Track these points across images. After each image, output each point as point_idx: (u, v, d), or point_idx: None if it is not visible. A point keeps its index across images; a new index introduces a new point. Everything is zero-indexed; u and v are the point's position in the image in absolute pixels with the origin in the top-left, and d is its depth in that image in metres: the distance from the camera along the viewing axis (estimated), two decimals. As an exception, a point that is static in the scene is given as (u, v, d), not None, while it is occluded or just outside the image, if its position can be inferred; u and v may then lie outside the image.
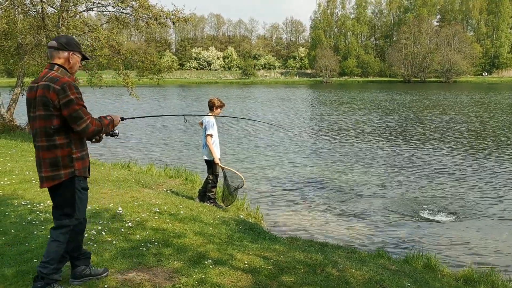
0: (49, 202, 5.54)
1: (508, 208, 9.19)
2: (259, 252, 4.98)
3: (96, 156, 14.04)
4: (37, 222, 5.55)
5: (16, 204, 6.36)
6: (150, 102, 39.93)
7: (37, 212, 5.97)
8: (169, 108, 35.05)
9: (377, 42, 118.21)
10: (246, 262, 4.55)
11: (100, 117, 3.68)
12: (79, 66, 3.69)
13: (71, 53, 3.55)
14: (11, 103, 17.28)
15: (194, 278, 4.04)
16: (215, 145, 7.53)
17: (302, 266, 4.62)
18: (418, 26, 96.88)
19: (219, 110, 7.75)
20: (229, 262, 4.50)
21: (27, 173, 8.41)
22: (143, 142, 18.03)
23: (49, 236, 3.59)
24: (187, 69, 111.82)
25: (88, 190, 3.74)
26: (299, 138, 18.86)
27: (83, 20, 15.81)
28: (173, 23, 16.12)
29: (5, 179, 8.01)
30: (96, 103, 36.44)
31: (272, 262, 4.63)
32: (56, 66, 3.51)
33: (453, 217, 8.61)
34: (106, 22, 17.08)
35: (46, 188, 3.57)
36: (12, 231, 5.12)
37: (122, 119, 3.88)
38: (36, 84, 3.45)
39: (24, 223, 5.45)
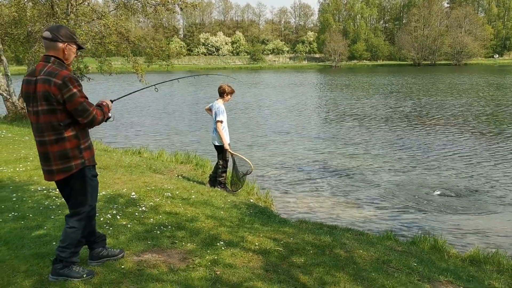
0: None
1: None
2: (269, 234, 5.11)
3: (107, 143, 14.24)
4: (53, 206, 5.72)
5: (32, 189, 6.55)
6: (161, 88, 40.05)
7: (53, 197, 6.14)
8: (181, 94, 35.16)
9: (387, 25, 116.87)
10: (257, 244, 4.69)
11: (98, 105, 3.73)
12: (75, 56, 3.69)
13: (66, 44, 3.51)
14: (22, 91, 17.48)
15: (207, 259, 4.19)
16: (224, 130, 7.64)
17: (311, 247, 4.75)
18: (429, 8, 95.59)
19: (229, 96, 7.84)
20: (241, 244, 4.64)
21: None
22: (153, 129, 18.22)
23: (65, 223, 3.72)
24: (195, 54, 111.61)
25: (98, 176, 3.85)
26: (308, 123, 18.92)
27: (91, 7, 15.87)
28: (181, 9, 16.14)
29: (20, 165, 8.21)
30: (109, 89, 36.69)
31: (282, 244, 4.77)
32: (52, 58, 3.48)
33: (463, 201, 8.68)
34: (115, 9, 17.13)
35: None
36: (30, 215, 5.30)
37: (112, 101, 3.97)
38: (35, 78, 3.42)
39: (41, 208, 5.63)
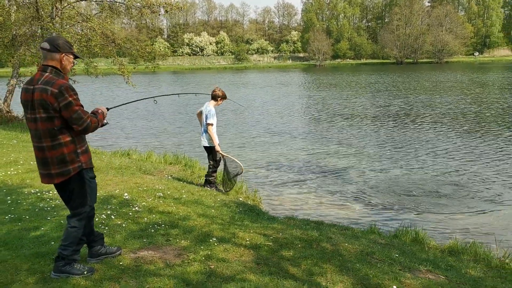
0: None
1: (498, 187, 9.61)
2: (259, 230, 5.35)
3: (95, 145, 14.33)
4: (48, 208, 5.88)
5: (26, 192, 6.69)
6: (148, 89, 40.02)
7: (47, 199, 6.30)
8: (169, 96, 35.15)
9: (369, 24, 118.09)
10: (248, 239, 4.93)
11: (93, 113, 3.91)
12: (71, 66, 3.85)
13: (63, 54, 3.67)
14: (7, 95, 17.46)
15: (201, 254, 4.41)
16: (215, 133, 7.87)
17: (299, 241, 5.01)
18: (410, 7, 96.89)
19: (221, 101, 8.08)
20: (232, 240, 4.87)
21: (32, 163, 8.70)
22: (141, 130, 18.34)
23: (66, 223, 3.91)
24: (179, 55, 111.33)
25: (95, 178, 4.05)
26: (296, 123, 19.22)
27: (77, 10, 15.92)
28: (166, 11, 16.28)
29: (11, 169, 8.31)
30: (97, 91, 36.54)
31: (271, 239, 5.02)
32: (50, 68, 3.63)
33: (446, 197, 9.03)
34: (100, 12, 17.20)
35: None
36: (27, 217, 5.46)
37: (108, 109, 4.17)
38: (32, 87, 3.57)
39: (36, 210, 5.79)
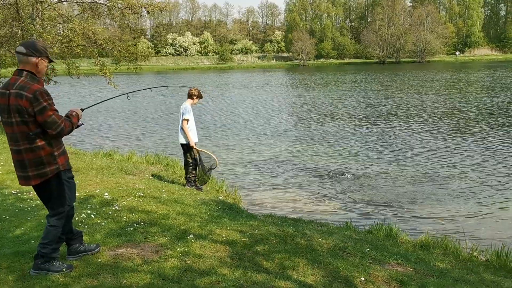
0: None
1: (476, 185, 9.89)
2: (236, 227, 5.51)
3: (77, 146, 14.33)
4: (28, 208, 5.96)
5: (6, 193, 6.74)
6: (131, 89, 39.84)
7: (28, 200, 6.37)
8: (150, 96, 35.11)
9: (352, 24, 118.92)
10: (224, 236, 5.08)
11: (67, 116, 3.99)
12: (46, 70, 3.97)
13: (39, 58, 3.73)
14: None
15: (178, 251, 4.55)
16: (190, 129, 8.04)
17: (274, 237, 5.17)
18: (392, 7, 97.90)
19: (197, 100, 8.30)
20: (209, 237, 5.02)
21: (12, 164, 8.72)
22: (123, 131, 18.34)
23: (46, 222, 4.00)
24: (163, 55, 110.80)
25: (73, 178, 4.15)
26: (279, 123, 19.41)
27: (58, 12, 15.87)
28: (148, 12, 16.33)
29: (-8, 170, 8.33)
30: (78, 93, 36.26)
31: (247, 235, 5.17)
32: (25, 72, 3.69)
33: (423, 193, 9.30)
34: (81, 13, 17.16)
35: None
36: (7, 217, 5.53)
37: (82, 110, 4.26)
38: (8, 91, 3.63)
39: (17, 210, 5.86)
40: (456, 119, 18.80)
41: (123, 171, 9.25)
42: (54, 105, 3.76)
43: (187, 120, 8.04)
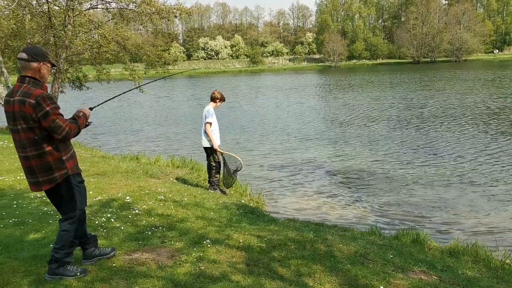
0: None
1: (508, 188, 9.46)
2: (255, 232, 5.40)
3: (107, 149, 14.58)
4: (51, 212, 6.03)
5: (32, 197, 6.87)
6: (160, 94, 40.43)
7: (51, 204, 6.43)
8: (180, 99, 35.52)
9: (385, 23, 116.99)
10: (241, 241, 4.98)
11: (74, 117, 3.96)
12: (49, 75, 3.96)
13: (41, 63, 3.71)
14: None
15: (193, 256, 4.48)
16: (213, 132, 7.99)
17: (293, 243, 5.04)
18: (426, 6, 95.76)
19: (220, 103, 8.27)
20: (226, 242, 4.93)
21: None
22: (152, 134, 18.57)
23: (59, 227, 4.02)
24: (195, 59, 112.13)
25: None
26: (312, 126, 19.21)
27: (88, 18, 16.22)
28: (175, 16, 16.46)
29: (21, 174, 8.48)
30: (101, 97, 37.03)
31: (265, 240, 5.06)
32: (27, 79, 3.68)
33: (453, 197, 8.95)
34: (111, 19, 17.47)
35: None
36: (30, 220, 5.61)
37: (91, 109, 4.24)
38: (12, 99, 3.64)
39: (40, 214, 5.95)
40: (500, 120, 17.98)
41: (148, 174, 9.29)
42: (59, 109, 3.75)
43: (210, 123, 8.01)
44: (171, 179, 9.13)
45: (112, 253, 4.39)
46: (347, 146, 14.39)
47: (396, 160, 12.20)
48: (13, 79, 21.84)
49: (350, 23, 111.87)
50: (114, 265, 4.22)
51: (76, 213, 3.95)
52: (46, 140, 3.71)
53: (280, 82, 52.55)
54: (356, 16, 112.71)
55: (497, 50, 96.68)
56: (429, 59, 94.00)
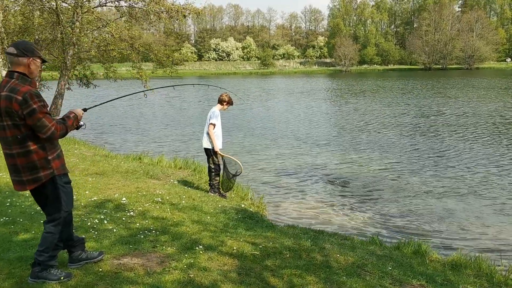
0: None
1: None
2: (250, 239, 5.23)
3: (111, 148, 14.48)
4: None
5: (27, 195, 6.73)
6: (171, 94, 40.39)
7: (46, 202, 6.33)
8: (192, 99, 35.49)
9: (398, 29, 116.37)
10: (235, 248, 4.82)
11: (63, 118, 3.83)
12: (39, 70, 3.83)
13: (31, 59, 3.60)
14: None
15: (183, 262, 4.32)
16: (216, 134, 7.85)
17: (288, 251, 4.86)
18: (439, 12, 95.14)
19: (227, 106, 8.14)
20: (219, 248, 4.77)
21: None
22: (158, 134, 18.47)
23: (43, 229, 3.87)
24: (206, 60, 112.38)
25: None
26: (322, 130, 19.01)
27: (96, 15, 16.19)
28: (184, 16, 16.38)
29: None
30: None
31: (260, 248, 4.89)
32: (16, 74, 3.57)
33: (461, 208, 8.71)
34: (120, 17, 17.45)
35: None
36: (21, 220, 5.50)
37: (85, 110, 4.10)
38: None
39: (32, 213, 5.83)
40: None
41: (149, 175, 9.16)
42: (46, 107, 3.62)
43: (214, 125, 7.87)
44: (172, 180, 8.99)
45: (99, 257, 4.24)
46: (355, 152, 14.14)
47: (405, 168, 11.93)
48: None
49: (362, 28, 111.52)
50: (100, 269, 4.07)
51: (62, 214, 3.81)
52: (31, 138, 3.58)
53: (291, 85, 52.35)
54: (368, 21, 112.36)
55: (510, 59, 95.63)
56: (440, 66, 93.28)
